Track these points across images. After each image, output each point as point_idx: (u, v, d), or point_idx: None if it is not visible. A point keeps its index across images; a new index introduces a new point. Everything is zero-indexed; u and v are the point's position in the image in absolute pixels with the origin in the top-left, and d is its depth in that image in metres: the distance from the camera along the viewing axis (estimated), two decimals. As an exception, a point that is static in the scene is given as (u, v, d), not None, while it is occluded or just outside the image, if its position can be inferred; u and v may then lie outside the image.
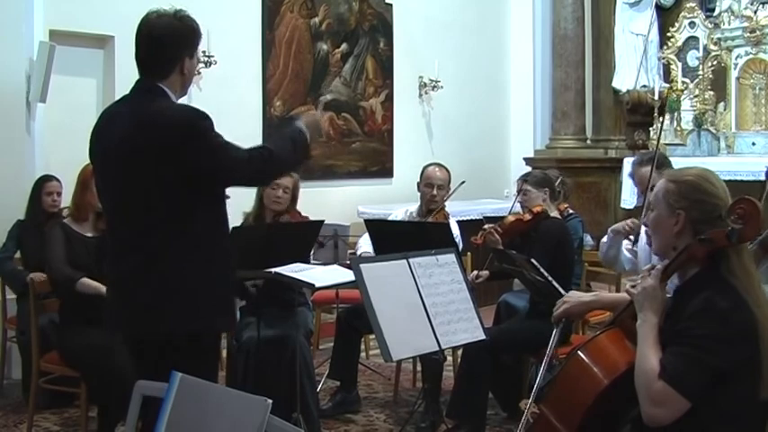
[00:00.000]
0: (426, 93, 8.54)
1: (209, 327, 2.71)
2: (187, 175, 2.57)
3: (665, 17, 8.70)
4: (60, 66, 5.62)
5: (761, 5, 7.65)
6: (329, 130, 7.65)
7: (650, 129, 8.23)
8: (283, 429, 1.83)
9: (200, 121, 2.61)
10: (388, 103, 8.22)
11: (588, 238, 5.83)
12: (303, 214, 4.65)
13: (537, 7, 9.33)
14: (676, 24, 8.34)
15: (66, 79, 5.89)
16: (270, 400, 1.82)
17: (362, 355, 5.35)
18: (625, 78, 8.76)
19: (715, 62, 7.93)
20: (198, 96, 5.95)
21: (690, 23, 8.25)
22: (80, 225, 4.19)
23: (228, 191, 2.79)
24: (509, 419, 4.54)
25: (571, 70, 9.00)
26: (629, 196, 7.86)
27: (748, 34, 7.58)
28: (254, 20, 7.12)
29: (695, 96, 8.06)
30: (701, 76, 8.04)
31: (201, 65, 6.21)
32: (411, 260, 3.48)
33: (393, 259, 3.46)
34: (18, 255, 5.04)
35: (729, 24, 7.78)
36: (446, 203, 5.06)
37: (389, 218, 5.29)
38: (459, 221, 5.46)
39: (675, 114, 8.00)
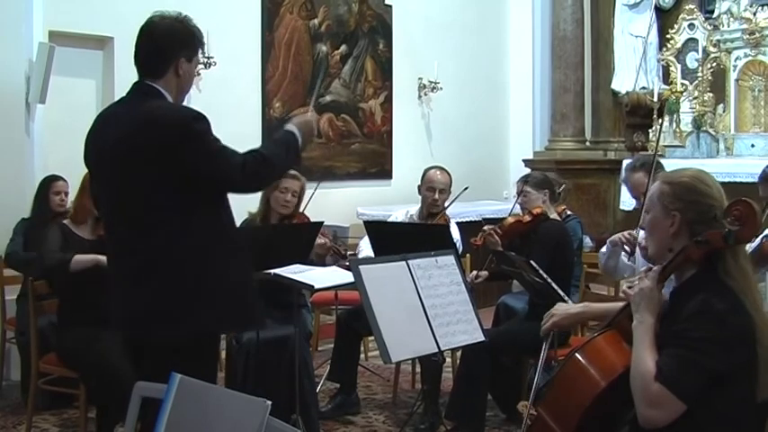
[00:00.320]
0: (426, 94, 8.54)
1: (209, 329, 2.71)
2: (186, 176, 2.58)
3: (665, 19, 8.69)
4: (60, 67, 5.62)
5: (760, 7, 7.65)
6: (328, 131, 7.66)
7: (649, 130, 8.24)
8: (282, 431, 1.84)
9: (196, 122, 2.62)
10: (388, 104, 8.22)
11: (587, 240, 5.83)
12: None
13: (536, 9, 9.33)
14: (676, 26, 8.33)
15: (66, 80, 5.89)
16: (269, 402, 1.82)
17: (361, 356, 5.35)
18: (624, 80, 8.76)
19: (714, 64, 7.93)
20: (197, 97, 5.95)
21: (689, 25, 8.25)
22: (79, 228, 4.20)
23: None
24: (508, 421, 4.54)
25: (570, 72, 9.00)
26: (628, 198, 7.84)
27: (747, 36, 7.58)
28: (254, 21, 7.12)
29: (694, 98, 8.06)
30: (700, 78, 8.03)
31: (201, 66, 6.21)
32: (410, 262, 3.48)
33: (392, 261, 3.47)
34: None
35: (729, 26, 7.78)
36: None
37: (389, 219, 5.29)
38: (458, 223, 5.47)
39: (674, 116, 8.00)
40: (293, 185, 4.47)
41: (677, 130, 7.98)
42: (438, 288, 3.50)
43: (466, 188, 5.11)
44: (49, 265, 4.10)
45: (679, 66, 8.32)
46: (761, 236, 3.52)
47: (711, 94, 7.96)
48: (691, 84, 8.18)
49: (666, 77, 8.50)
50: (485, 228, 4.60)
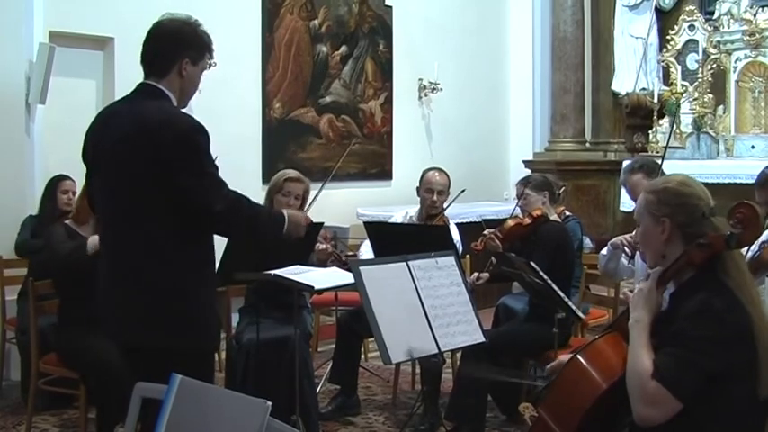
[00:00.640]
0: (426, 95, 8.54)
1: (203, 336, 2.71)
2: (173, 191, 2.56)
3: (665, 20, 8.70)
4: (60, 67, 5.62)
5: (760, 9, 7.65)
6: (328, 132, 7.66)
7: (649, 132, 8.24)
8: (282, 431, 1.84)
9: (196, 133, 2.62)
10: (388, 105, 8.21)
11: (587, 241, 5.82)
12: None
13: (536, 10, 9.33)
14: (676, 27, 8.34)
15: (66, 81, 5.89)
16: (269, 403, 1.82)
17: (361, 357, 5.35)
18: (624, 81, 8.76)
19: (714, 65, 7.93)
20: (197, 98, 5.86)
21: (689, 26, 8.25)
22: (81, 228, 4.20)
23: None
24: (508, 422, 4.54)
25: (570, 73, 9.00)
26: (628, 199, 7.85)
27: (748, 37, 7.58)
28: (254, 22, 7.12)
29: (694, 99, 8.06)
30: (700, 80, 8.04)
31: (201, 67, 6.20)
32: (410, 263, 3.48)
33: (392, 262, 3.47)
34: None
35: (729, 27, 7.78)
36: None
37: (389, 221, 5.29)
38: (457, 224, 5.46)
39: (675, 117, 8.00)
40: (297, 188, 4.44)
41: (677, 131, 7.98)
42: (438, 289, 3.50)
43: (463, 190, 5.10)
44: (67, 250, 4.06)
45: (679, 67, 8.32)
46: (759, 242, 3.50)
47: (711, 96, 7.97)
48: (691, 85, 8.19)
49: (666, 79, 8.51)
50: (485, 232, 4.58)
